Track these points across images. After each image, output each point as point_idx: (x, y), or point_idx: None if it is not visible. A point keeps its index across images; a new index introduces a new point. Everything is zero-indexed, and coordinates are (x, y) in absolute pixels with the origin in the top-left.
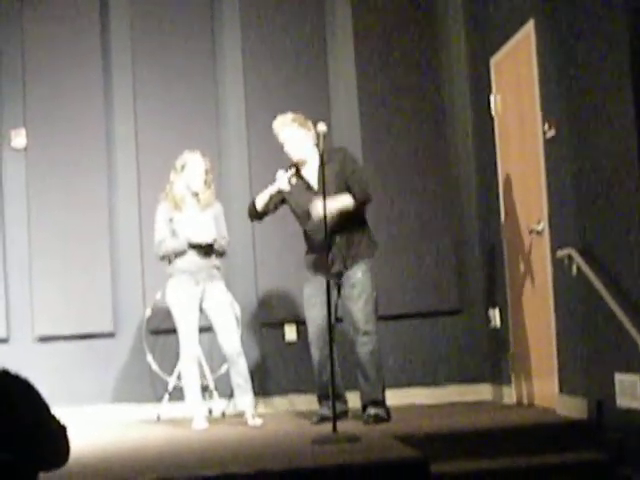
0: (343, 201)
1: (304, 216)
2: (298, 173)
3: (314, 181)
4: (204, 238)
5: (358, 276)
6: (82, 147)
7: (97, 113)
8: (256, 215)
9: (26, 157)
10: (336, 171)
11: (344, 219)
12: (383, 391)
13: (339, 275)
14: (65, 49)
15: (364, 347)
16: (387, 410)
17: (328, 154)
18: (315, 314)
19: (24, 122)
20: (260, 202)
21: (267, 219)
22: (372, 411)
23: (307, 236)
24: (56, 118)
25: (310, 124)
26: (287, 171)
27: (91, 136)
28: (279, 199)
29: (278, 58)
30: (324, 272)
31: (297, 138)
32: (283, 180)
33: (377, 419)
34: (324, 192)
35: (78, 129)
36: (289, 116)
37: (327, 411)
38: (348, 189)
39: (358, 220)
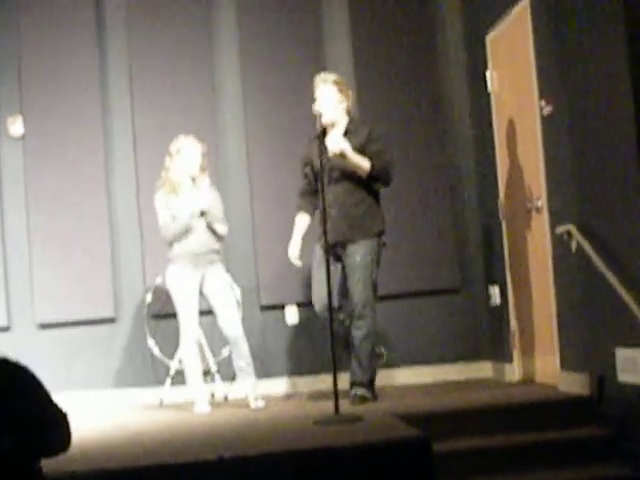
0: (360, 160)
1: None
2: (322, 138)
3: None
4: (202, 204)
5: (357, 260)
6: (79, 134)
7: (94, 100)
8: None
9: (23, 144)
10: (358, 144)
11: (347, 190)
12: (373, 374)
13: (337, 247)
14: (61, 35)
15: (358, 331)
16: (373, 391)
17: (354, 125)
18: (318, 292)
19: (20, 109)
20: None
21: (267, 202)
22: (359, 391)
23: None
24: (53, 105)
25: (350, 93)
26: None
27: (88, 123)
28: (311, 172)
29: (275, 41)
30: (321, 244)
31: (332, 100)
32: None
33: (363, 400)
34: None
35: (75, 116)
36: (332, 76)
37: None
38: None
39: (363, 195)
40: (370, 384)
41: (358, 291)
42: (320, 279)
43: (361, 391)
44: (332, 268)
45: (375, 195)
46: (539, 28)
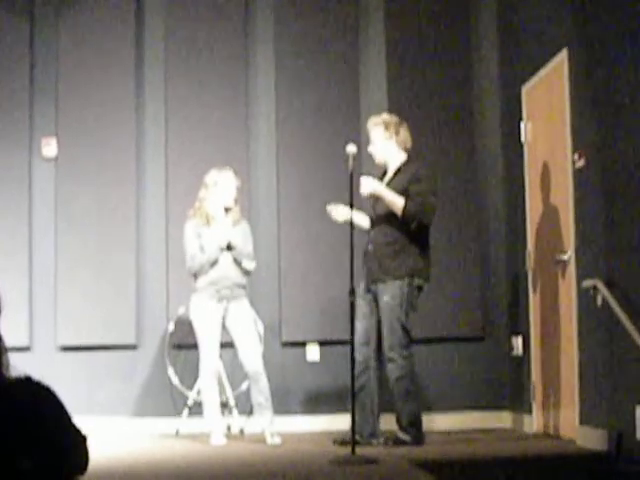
0: (394, 198)
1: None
2: (381, 179)
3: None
4: (231, 238)
5: (384, 300)
6: (112, 158)
7: (128, 124)
8: None
9: (56, 166)
10: (405, 182)
11: (382, 230)
12: (410, 416)
13: (372, 286)
14: (99, 60)
15: (390, 374)
16: (414, 435)
17: (407, 163)
18: (358, 326)
19: (55, 131)
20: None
21: (294, 239)
22: (397, 434)
23: None
24: (87, 128)
25: (400, 129)
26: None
27: (121, 147)
28: None
29: (310, 75)
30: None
31: (379, 141)
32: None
33: (395, 442)
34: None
35: (109, 140)
36: (378, 118)
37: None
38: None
39: (397, 235)
40: (410, 426)
41: (385, 333)
42: (357, 314)
43: (399, 433)
44: (368, 309)
45: (414, 236)
46: (575, 81)
